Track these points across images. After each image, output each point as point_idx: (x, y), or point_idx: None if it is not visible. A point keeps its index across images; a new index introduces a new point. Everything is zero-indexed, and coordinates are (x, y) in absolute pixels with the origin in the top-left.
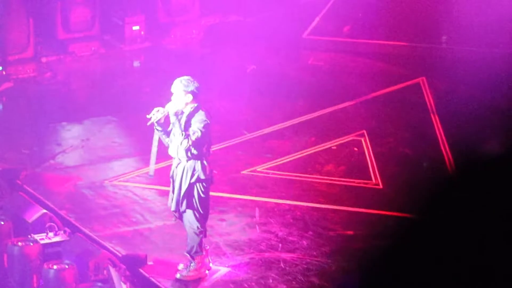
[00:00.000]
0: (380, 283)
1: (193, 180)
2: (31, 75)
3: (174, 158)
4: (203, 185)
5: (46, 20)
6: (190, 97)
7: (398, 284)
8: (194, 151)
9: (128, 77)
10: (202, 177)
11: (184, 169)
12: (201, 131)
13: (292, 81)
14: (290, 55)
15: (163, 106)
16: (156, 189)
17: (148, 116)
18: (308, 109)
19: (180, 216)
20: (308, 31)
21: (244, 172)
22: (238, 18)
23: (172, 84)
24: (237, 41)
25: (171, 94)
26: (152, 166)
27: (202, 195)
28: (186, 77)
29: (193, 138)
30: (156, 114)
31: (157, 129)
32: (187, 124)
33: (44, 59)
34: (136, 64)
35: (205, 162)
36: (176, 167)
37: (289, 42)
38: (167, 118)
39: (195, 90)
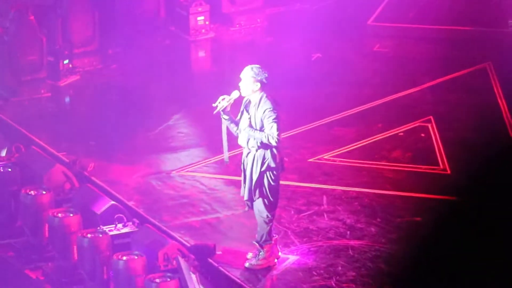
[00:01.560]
0: (449, 269)
1: (263, 168)
2: (97, 67)
3: (244, 148)
4: (273, 173)
5: (111, 12)
6: (258, 85)
7: (467, 269)
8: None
9: (193, 67)
10: (272, 165)
11: (254, 158)
12: (275, 122)
13: (357, 68)
14: (355, 42)
15: (229, 95)
16: (224, 179)
17: (214, 105)
18: (373, 96)
19: (252, 205)
20: (373, 17)
21: (310, 160)
22: (303, 6)
23: (242, 71)
24: (301, 29)
25: (237, 83)
26: (226, 153)
27: (272, 183)
28: (257, 65)
29: (275, 138)
30: (222, 102)
31: (224, 118)
32: (256, 114)
33: (110, 51)
34: (201, 54)
35: (274, 150)
36: (246, 157)
37: (354, 29)
38: (233, 106)
39: (263, 80)
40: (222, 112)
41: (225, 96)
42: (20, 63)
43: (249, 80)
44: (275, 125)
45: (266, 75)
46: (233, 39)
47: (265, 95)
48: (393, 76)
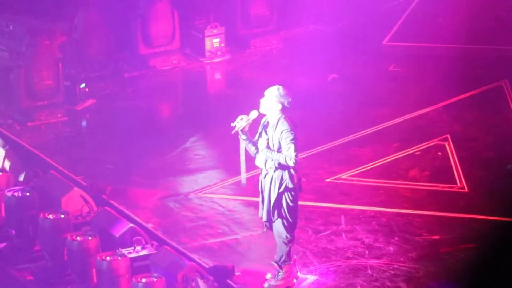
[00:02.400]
0: (469, 286)
1: (281, 189)
2: (114, 90)
3: (262, 169)
4: (291, 194)
5: (126, 36)
6: (279, 106)
7: (487, 287)
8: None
9: (210, 89)
10: (290, 186)
11: (272, 179)
12: (292, 143)
13: (373, 88)
14: (370, 62)
15: (247, 115)
16: (241, 200)
17: (232, 125)
18: (389, 116)
19: (271, 226)
20: (388, 37)
21: (328, 180)
22: (317, 27)
23: (261, 92)
24: (316, 51)
25: (253, 105)
26: (243, 175)
27: (290, 203)
28: (283, 88)
29: (293, 159)
30: (240, 122)
31: (242, 138)
32: (274, 135)
33: (126, 75)
34: (217, 76)
35: (292, 171)
36: (264, 178)
37: (369, 50)
38: (251, 126)
39: (286, 103)
40: (240, 132)
41: (243, 116)
42: (36, 88)
43: (272, 99)
44: (292, 146)
45: (290, 99)
46: (249, 61)
47: (283, 116)
48: (409, 95)
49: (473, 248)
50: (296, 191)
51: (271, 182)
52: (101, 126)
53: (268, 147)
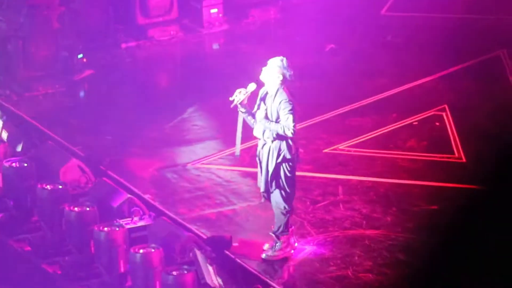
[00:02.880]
0: (466, 257)
1: (279, 160)
2: (112, 61)
3: (260, 139)
4: (289, 165)
5: (125, 6)
6: (280, 77)
7: (484, 257)
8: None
9: (208, 60)
10: (288, 156)
11: (270, 149)
12: (291, 113)
13: (371, 59)
14: (369, 33)
15: (245, 88)
16: (239, 171)
17: (230, 99)
18: (387, 86)
19: (269, 196)
20: (386, 7)
21: (326, 150)
22: None
23: (270, 59)
24: (315, 21)
25: (251, 76)
26: (238, 147)
27: (288, 174)
28: (286, 60)
29: (291, 129)
30: (238, 96)
31: (241, 111)
32: (272, 105)
33: (124, 45)
34: (215, 46)
35: (290, 141)
36: (262, 148)
37: (368, 20)
38: (250, 98)
39: (287, 75)
40: (239, 105)
41: (241, 89)
42: (34, 58)
43: (275, 69)
44: (291, 117)
45: (292, 72)
46: (247, 32)
47: (282, 87)
48: (407, 65)
49: (470, 218)
50: (294, 161)
51: (269, 153)
52: (98, 96)
53: (266, 117)
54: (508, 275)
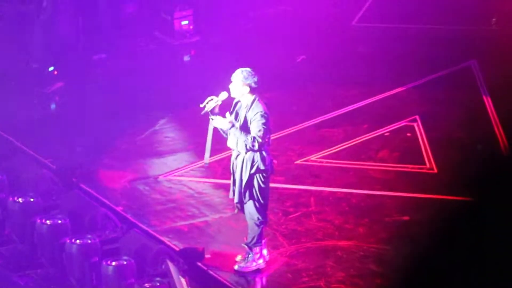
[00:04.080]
0: (439, 267)
1: (253, 171)
2: (82, 73)
3: (233, 150)
4: (263, 175)
5: (95, 18)
6: (247, 88)
7: (456, 268)
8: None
9: (179, 71)
10: (262, 167)
11: (243, 160)
12: (263, 127)
13: (343, 69)
14: (340, 43)
15: (217, 96)
16: (211, 182)
17: (201, 105)
18: (359, 97)
19: (242, 207)
20: (356, 18)
21: (298, 161)
22: (286, 8)
23: (230, 73)
24: (286, 31)
25: (223, 86)
26: (207, 155)
27: (262, 185)
28: (248, 69)
29: (259, 140)
30: (210, 103)
31: (212, 119)
32: (246, 117)
33: (95, 57)
34: (186, 58)
35: (264, 152)
36: (236, 159)
37: (338, 31)
38: (222, 107)
39: (252, 84)
40: (210, 113)
41: (213, 97)
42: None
43: (238, 83)
44: (262, 130)
45: (256, 79)
46: (218, 43)
47: (257, 98)
48: (378, 76)
49: (442, 229)
50: (268, 172)
51: (243, 163)
52: (69, 108)
53: (236, 127)
54: (480, 283)
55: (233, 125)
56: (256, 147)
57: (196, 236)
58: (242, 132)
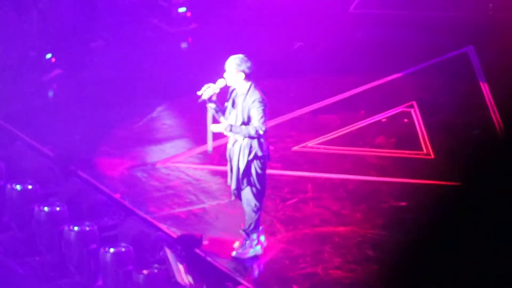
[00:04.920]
0: (435, 253)
1: (250, 157)
2: (80, 60)
3: (230, 137)
4: (260, 162)
5: (93, 5)
6: (241, 75)
7: (452, 253)
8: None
9: (176, 58)
10: (259, 154)
11: (240, 147)
12: (263, 114)
13: (340, 56)
14: (337, 30)
15: (214, 83)
16: (208, 169)
17: (198, 93)
18: (356, 83)
19: (239, 194)
20: (354, 4)
21: (295, 148)
22: None
23: (225, 61)
24: (283, 18)
25: (220, 74)
26: (210, 143)
27: (259, 171)
28: (240, 56)
29: (263, 127)
30: (207, 91)
31: (210, 106)
32: (244, 104)
33: (92, 44)
34: (183, 45)
35: (261, 139)
36: (233, 146)
37: (336, 17)
38: (219, 95)
39: (246, 70)
40: (207, 101)
41: (210, 84)
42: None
43: (232, 71)
44: (264, 116)
45: (249, 64)
46: (215, 29)
47: (253, 85)
48: (376, 62)
49: (439, 214)
50: (265, 158)
51: (240, 150)
52: (67, 96)
53: (232, 125)
54: (476, 270)
55: (231, 126)
56: (261, 134)
57: (194, 222)
58: (243, 126)
